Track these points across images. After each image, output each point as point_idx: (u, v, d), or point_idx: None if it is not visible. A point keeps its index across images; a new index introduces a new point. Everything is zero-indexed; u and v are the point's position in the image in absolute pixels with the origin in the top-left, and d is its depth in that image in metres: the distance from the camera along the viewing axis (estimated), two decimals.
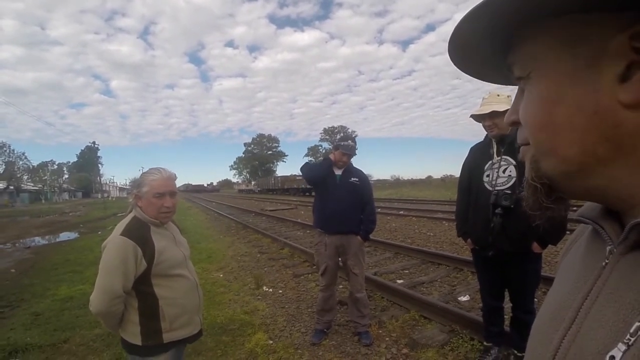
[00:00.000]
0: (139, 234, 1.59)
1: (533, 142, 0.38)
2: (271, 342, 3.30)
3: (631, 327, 0.29)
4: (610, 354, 0.30)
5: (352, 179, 3.19)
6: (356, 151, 3.24)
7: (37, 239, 12.88)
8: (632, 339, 0.29)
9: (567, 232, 2.03)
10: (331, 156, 3.23)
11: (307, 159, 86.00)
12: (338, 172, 3.22)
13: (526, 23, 0.35)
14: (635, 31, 0.29)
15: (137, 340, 1.61)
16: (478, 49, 0.40)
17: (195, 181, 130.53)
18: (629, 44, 0.30)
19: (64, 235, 13.34)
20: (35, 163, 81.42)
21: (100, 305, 1.54)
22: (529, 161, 0.39)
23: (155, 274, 1.61)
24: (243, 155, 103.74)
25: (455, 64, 0.44)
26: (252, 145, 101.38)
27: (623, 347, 0.29)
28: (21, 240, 12.48)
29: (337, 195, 3.15)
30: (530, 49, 0.36)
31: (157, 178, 1.67)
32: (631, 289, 0.32)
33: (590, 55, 0.32)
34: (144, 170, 1.77)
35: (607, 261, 0.36)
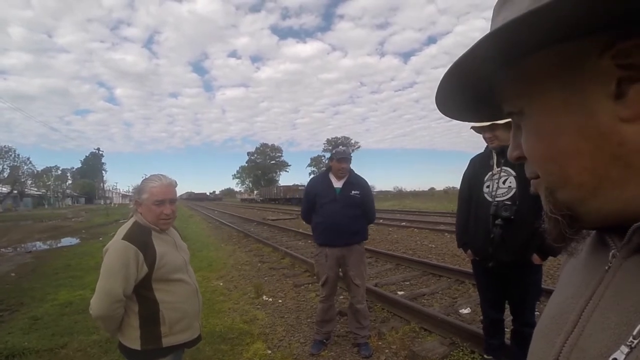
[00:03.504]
0: (140, 238, 1.60)
1: (543, 174, 0.37)
2: (270, 352, 3.27)
3: (634, 330, 0.29)
4: (613, 356, 0.30)
5: (353, 192, 3.12)
6: (351, 155, 3.22)
7: (38, 243, 12.91)
8: (635, 342, 0.29)
9: None
10: (330, 173, 3.20)
11: (310, 169, 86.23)
12: (338, 184, 3.15)
13: (508, 64, 0.36)
14: (616, 50, 0.30)
15: (136, 344, 1.61)
16: (465, 94, 0.42)
17: (197, 189, 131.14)
18: (613, 63, 0.30)
19: (66, 241, 13.35)
20: (39, 168, 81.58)
21: (100, 309, 1.54)
22: (543, 194, 0.39)
23: (156, 278, 1.62)
24: (246, 165, 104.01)
25: (443, 113, 0.47)
26: (255, 155, 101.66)
27: (626, 350, 0.29)
28: (23, 245, 12.49)
29: (335, 210, 3.07)
30: (517, 86, 0.37)
31: (157, 185, 1.68)
32: (633, 292, 0.32)
33: (577, 81, 0.32)
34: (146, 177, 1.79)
35: (609, 265, 0.36)
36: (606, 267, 0.36)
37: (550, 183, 0.37)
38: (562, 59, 0.33)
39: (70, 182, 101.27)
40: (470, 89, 0.41)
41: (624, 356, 0.29)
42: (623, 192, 0.32)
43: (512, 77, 0.37)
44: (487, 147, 2.44)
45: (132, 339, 1.62)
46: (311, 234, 3.48)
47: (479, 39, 0.32)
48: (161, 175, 1.73)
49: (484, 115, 0.48)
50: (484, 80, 0.39)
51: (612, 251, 0.36)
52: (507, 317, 2.57)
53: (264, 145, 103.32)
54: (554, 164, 0.36)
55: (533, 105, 0.36)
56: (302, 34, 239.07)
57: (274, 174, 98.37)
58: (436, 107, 0.44)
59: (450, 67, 0.36)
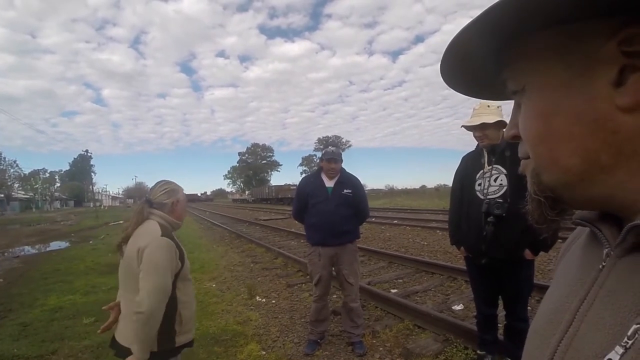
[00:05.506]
0: (172, 236, 1.68)
1: (533, 154, 0.38)
2: (264, 352, 3.26)
3: (629, 330, 0.29)
4: (607, 357, 0.29)
5: (345, 190, 3.12)
6: (342, 155, 3.23)
7: (26, 248, 12.67)
8: (630, 342, 0.28)
9: (560, 241, 2.05)
10: (322, 172, 3.22)
11: (301, 169, 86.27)
12: (330, 184, 3.15)
13: (515, 38, 0.36)
14: (623, 37, 0.30)
15: (153, 346, 1.54)
16: (470, 67, 0.41)
17: (188, 190, 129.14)
18: (619, 49, 0.30)
19: (55, 245, 13.14)
20: (26, 171, 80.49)
21: (154, 305, 1.49)
22: (529, 175, 0.39)
23: (180, 276, 1.66)
24: (237, 165, 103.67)
25: (448, 84, 0.45)
26: (247, 155, 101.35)
27: (620, 350, 0.29)
28: (10, 249, 12.24)
29: (328, 210, 3.08)
30: (522, 63, 0.37)
31: (181, 187, 1.88)
32: (628, 291, 0.31)
33: (581, 64, 0.32)
34: (151, 180, 1.92)
35: (604, 264, 0.35)
36: (600, 266, 0.36)
37: (538, 164, 0.37)
38: (570, 39, 0.33)
39: (58, 184, 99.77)
40: (475, 61, 0.40)
41: (618, 356, 0.29)
42: (611, 177, 0.33)
43: (521, 51, 0.37)
44: (478, 146, 2.46)
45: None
46: (304, 233, 3.47)
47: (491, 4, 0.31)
48: (168, 180, 1.89)
49: (485, 92, 0.47)
50: (489, 55, 0.39)
51: (606, 250, 0.36)
52: (500, 312, 2.60)
53: (255, 145, 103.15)
54: (545, 144, 0.36)
55: (535, 83, 0.36)
56: (290, 34, 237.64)
57: (266, 174, 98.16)
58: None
59: (459, 33, 0.35)
